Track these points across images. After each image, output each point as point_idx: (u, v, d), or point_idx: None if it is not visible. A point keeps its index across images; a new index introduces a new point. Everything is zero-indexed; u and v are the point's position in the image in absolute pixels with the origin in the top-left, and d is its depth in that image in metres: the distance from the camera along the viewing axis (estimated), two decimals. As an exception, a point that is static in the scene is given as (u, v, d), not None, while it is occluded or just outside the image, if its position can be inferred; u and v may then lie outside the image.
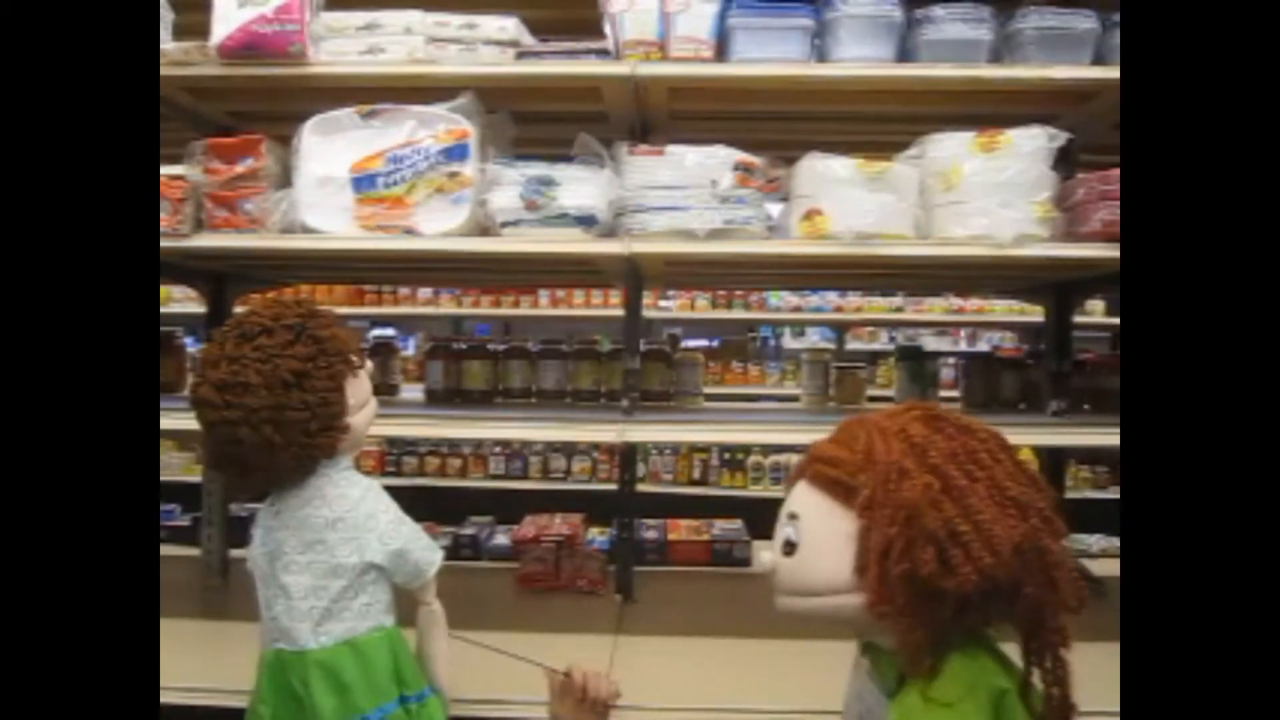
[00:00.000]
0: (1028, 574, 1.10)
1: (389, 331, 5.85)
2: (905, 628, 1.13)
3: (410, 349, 5.30)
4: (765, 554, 1.25)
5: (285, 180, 2.16)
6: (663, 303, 5.55)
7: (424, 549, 1.62)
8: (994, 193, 2.05)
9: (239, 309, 2.90)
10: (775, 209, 2.23)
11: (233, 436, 1.49)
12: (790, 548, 1.21)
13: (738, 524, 3.32)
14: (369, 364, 1.68)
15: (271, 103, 2.35)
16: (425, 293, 5.51)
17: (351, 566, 1.54)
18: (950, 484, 1.11)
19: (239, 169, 2.13)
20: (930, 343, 5.64)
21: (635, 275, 2.44)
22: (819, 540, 1.18)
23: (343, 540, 1.54)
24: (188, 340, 3.28)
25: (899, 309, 5.50)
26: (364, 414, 1.64)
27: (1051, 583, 1.12)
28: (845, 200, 2.05)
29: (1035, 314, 5.20)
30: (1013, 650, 1.19)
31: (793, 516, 1.22)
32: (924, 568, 1.08)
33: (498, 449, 5.30)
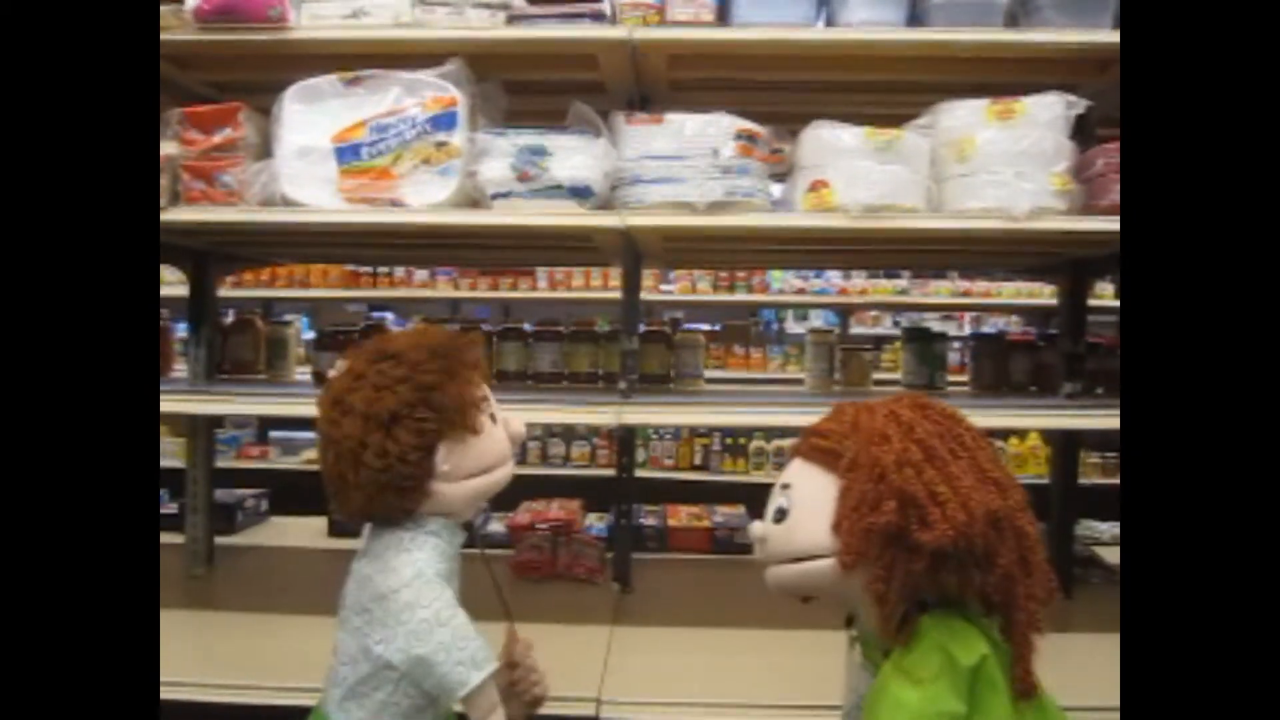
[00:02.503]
0: (1003, 547, 1.17)
1: (388, 316, 5.78)
2: (872, 579, 1.18)
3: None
4: (756, 524, 1.31)
5: (265, 151, 2.07)
6: (663, 286, 5.45)
7: (456, 664, 1.31)
8: (1009, 163, 1.96)
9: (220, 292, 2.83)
10: (777, 190, 2.14)
11: (324, 458, 1.38)
12: (781, 515, 1.27)
13: (740, 510, 3.23)
14: (506, 428, 1.46)
15: (252, 71, 2.25)
16: (421, 275, 5.42)
17: (376, 656, 1.35)
18: (933, 454, 1.19)
19: (216, 139, 2.04)
20: (934, 328, 5.54)
21: (633, 251, 2.34)
22: (807, 504, 1.25)
23: (379, 622, 1.35)
24: (178, 325, 3.18)
25: (904, 291, 5.40)
26: (470, 485, 1.41)
27: (1026, 565, 1.19)
28: (853, 171, 1.96)
29: (1043, 297, 5.19)
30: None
31: (785, 487, 1.29)
32: (884, 518, 1.15)
33: (496, 434, 5.20)
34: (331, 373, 1.43)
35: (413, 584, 1.34)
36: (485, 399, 1.43)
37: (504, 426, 1.47)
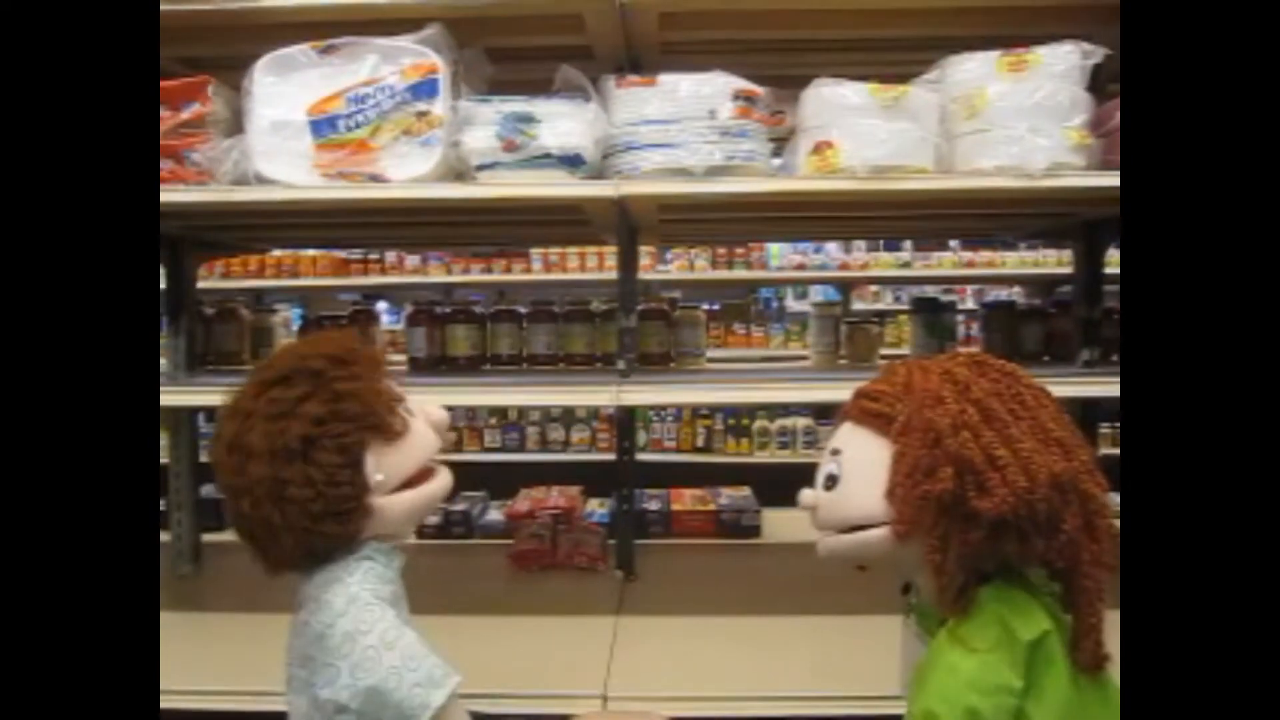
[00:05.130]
0: (1067, 511, 1.12)
1: (381, 304, 5.67)
2: (930, 549, 1.13)
3: (402, 323, 5.12)
4: (806, 492, 1.26)
5: (236, 127, 1.95)
6: (660, 266, 5.35)
7: (413, 686, 1.19)
8: (1023, 118, 1.85)
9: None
10: (776, 162, 2.03)
11: (237, 509, 1.24)
12: (832, 482, 1.23)
13: (745, 492, 3.14)
14: (428, 424, 1.34)
15: (221, 44, 2.13)
16: (413, 261, 5.31)
17: (324, 703, 1.21)
18: (991, 415, 1.13)
19: (184, 115, 1.93)
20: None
21: (628, 223, 2.23)
22: (859, 471, 1.20)
23: (322, 664, 1.22)
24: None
25: (906, 265, 5.30)
26: (409, 497, 1.30)
27: (1092, 530, 1.14)
28: (858, 130, 1.84)
29: (1049, 266, 5.08)
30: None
31: (835, 452, 1.25)
32: (939, 486, 1.10)
33: (493, 420, 5.13)
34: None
35: (348, 612, 1.22)
36: (399, 394, 1.31)
37: (424, 419, 1.35)
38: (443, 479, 1.36)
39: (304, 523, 1.21)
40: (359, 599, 1.23)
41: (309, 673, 1.24)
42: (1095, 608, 1.14)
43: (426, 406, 1.36)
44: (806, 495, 1.26)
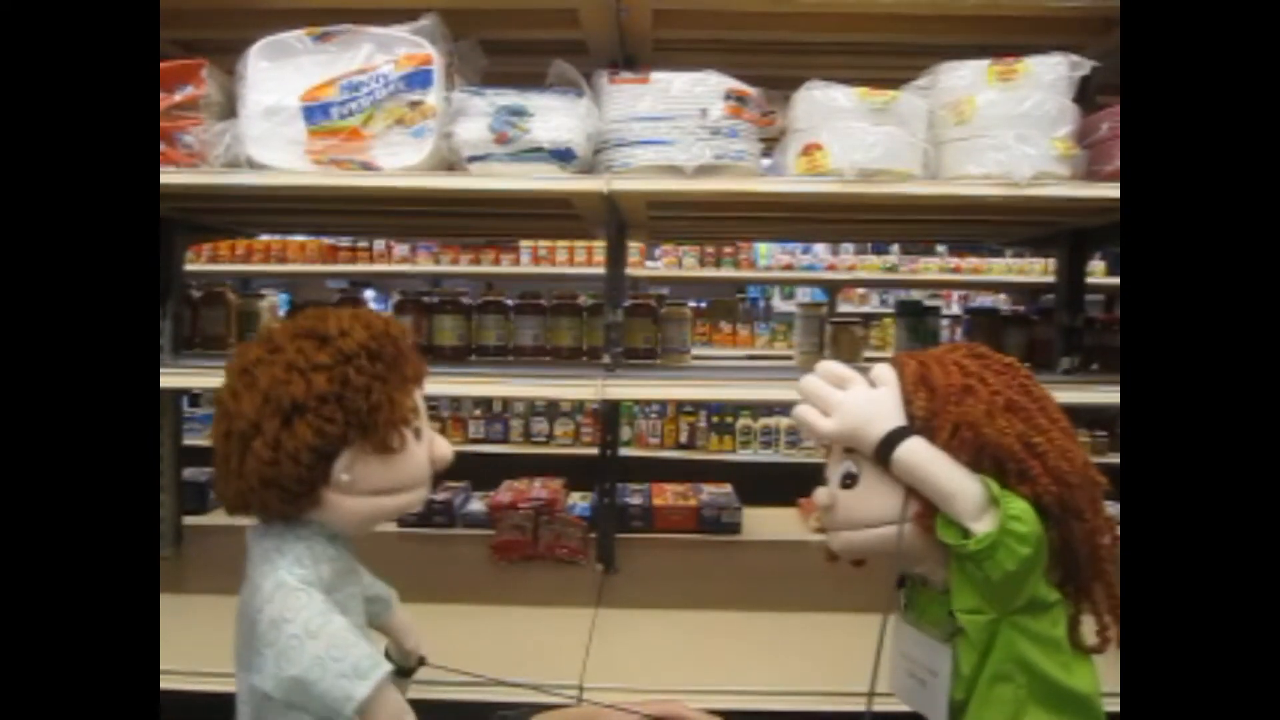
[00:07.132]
0: (1089, 503, 1.14)
1: (368, 292, 5.67)
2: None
3: (389, 311, 5.12)
4: (822, 491, 1.24)
5: (229, 111, 1.95)
6: (649, 263, 5.37)
7: (338, 677, 1.12)
8: (1010, 127, 1.87)
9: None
10: (766, 163, 2.05)
11: (215, 427, 1.20)
12: (851, 480, 1.20)
13: (727, 489, 3.16)
14: (430, 454, 1.28)
15: (219, 28, 2.14)
16: (402, 250, 5.31)
17: (251, 690, 1.17)
18: (1014, 405, 1.14)
19: (177, 98, 1.92)
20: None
21: (617, 218, 2.25)
22: (880, 468, 1.17)
23: (254, 651, 1.17)
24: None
25: (892, 268, 5.34)
26: (372, 503, 1.23)
27: (1098, 518, 1.15)
28: (847, 133, 1.86)
29: (1034, 274, 5.14)
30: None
31: (851, 450, 1.21)
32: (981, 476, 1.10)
33: (477, 411, 5.13)
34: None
35: (274, 598, 1.16)
36: (415, 412, 1.25)
37: (429, 447, 1.28)
38: (411, 495, 1.29)
39: (253, 481, 1.17)
40: (285, 584, 1.17)
41: (247, 657, 1.20)
42: (1114, 590, 1.15)
43: (438, 440, 1.31)
44: (822, 494, 1.24)
